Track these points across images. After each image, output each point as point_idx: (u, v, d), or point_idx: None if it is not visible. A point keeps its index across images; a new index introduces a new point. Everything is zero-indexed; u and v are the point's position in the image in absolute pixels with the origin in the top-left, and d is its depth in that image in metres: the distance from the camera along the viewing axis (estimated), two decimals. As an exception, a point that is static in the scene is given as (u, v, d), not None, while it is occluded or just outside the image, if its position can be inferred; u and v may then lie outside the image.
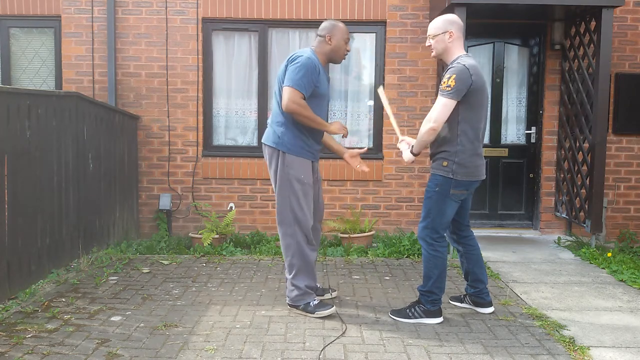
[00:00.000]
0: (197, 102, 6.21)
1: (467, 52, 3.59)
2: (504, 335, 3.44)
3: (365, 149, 4.15)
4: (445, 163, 3.51)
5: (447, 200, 3.54)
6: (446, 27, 3.53)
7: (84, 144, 5.00)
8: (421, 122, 6.08)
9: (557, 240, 6.03)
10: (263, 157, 3.91)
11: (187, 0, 6.14)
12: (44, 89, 5.62)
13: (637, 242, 6.11)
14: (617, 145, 6.25)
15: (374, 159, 6.24)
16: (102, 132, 5.36)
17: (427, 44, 3.65)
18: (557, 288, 4.45)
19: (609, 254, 5.29)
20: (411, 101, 6.17)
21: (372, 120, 6.32)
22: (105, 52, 6.13)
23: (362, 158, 6.24)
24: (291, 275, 3.71)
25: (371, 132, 6.34)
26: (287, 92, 3.54)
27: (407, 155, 3.67)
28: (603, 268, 5.03)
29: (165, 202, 6.15)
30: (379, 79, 6.23)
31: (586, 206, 5.67)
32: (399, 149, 3.86)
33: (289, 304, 3.79)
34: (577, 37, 5.90)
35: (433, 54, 3.63)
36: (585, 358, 3.11)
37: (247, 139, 6.39)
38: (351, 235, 5.71)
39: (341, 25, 3.74)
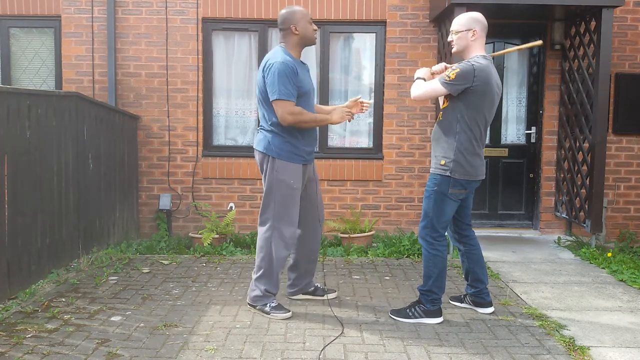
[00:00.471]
0: (197, 102, 6.21)
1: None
2: (504, 335, 3.44)
3: (359, 96, 3.91)
4: (443, 162, 3.52)
5: (446, 199, 3.55)
6: (470, 24, 3.52)
7: (84, 144, 5.00)
8: (421, 122, 6.20)
9: (557, 240, 6.02)
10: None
11: (187, 0, 6.14)
12: (44, 89, 5.62)
13: (637, 242, 6.11)
14: (617, 145, 6.25)
15: (374, 159, 6.24)
16: (102, 132, 5.36)
17: (449, 39, 3.63)
18: (557, 288, 4.45)
19: (609, 254, 5.29)
20: (411, 101, 6.17)
21: (372, 120, 6.32)
22: (105, 52, 6.13)
23: (362, 159, 6.36)
24: (256, 276, 3.74)
25: (371, 132, 6.34)
26: (278, 106, 3.52)
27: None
28: (603, 268, 5.03)
29: (165, 202, 6.15)
30: (379, 79, 6.23)
31: (586, 206, 5.67)
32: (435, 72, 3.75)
33: (248, 303, 3.83)
34: (577, 37, 5.90)
35: (454, 49, 3.61)
36: (585, 358, 3.12)
37: (247, 138, 6.39)
38: (351, 235, 5.71)
39: (297, 8, 3.68)
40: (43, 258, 4.35)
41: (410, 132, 6.21)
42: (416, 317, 3.62)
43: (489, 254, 5.42)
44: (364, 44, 6.33)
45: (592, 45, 5.62)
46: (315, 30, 3.73)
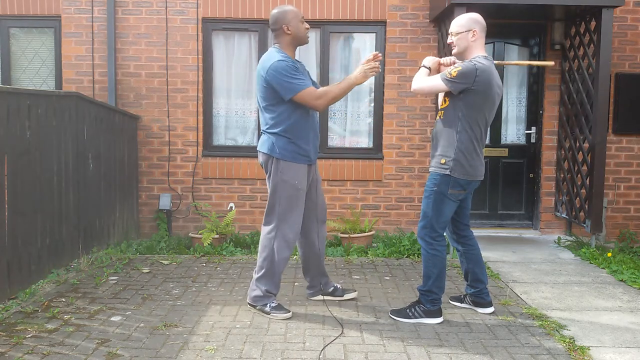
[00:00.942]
0: (197, 102, 6.21)
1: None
2: (504, 335, 3.44)
3: (370, 55, 3.68)
4: (443, 160, 3.52)
5: (445, 200, 3.55)
6: (470, 25, 3.53)
7: (84, 144, 5.00)
8: (421, 122, 6.20)
9: (557, 240, 6.02)
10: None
11: (187, 0, 6.14)
12: (44, 89, 5.62)
13: (637, 242, 6.11)
14: (617, 145, 6.25)
15: (374, 159, 6.24)
16: (102, 132, 5.36)
17: (449, 41, 3.63)
18: (557, 288, 4.45)
19: (609, 254, 5.29)
20: (411, 101, 6.17)
21: (372, 120, 6.32)
22: (105, 52, 6.13)
23: (362, 159, 6.36)
24: (257, 276, 3.74)
25: (371, 132, 6.34)
26: (301, 99, 3.52)
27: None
28: (603, 268, 5.03)
29: (165, 202, 6.15)
30: (379, 79, 6.23)
31: (586, 206, 5.66)
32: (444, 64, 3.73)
33: (248, 302, 3.82)
34: (577, 37, 5.90)
35: (454, 51, 3.61)
36: (585, 358, 3.11)
37: (247, 139, 6.39)
38: (351, 235, 5.71)
39: (289, 8, 3.68)
40: (43, 258, 4.35)
41: (410, 132, 6.21)
42: (416, 317, 3.62)
43: (489, 254, 5.42)
44: (364, 44, 6.33)
45: (592, 45, 5.62)
46: (308, 29, 3.72)
